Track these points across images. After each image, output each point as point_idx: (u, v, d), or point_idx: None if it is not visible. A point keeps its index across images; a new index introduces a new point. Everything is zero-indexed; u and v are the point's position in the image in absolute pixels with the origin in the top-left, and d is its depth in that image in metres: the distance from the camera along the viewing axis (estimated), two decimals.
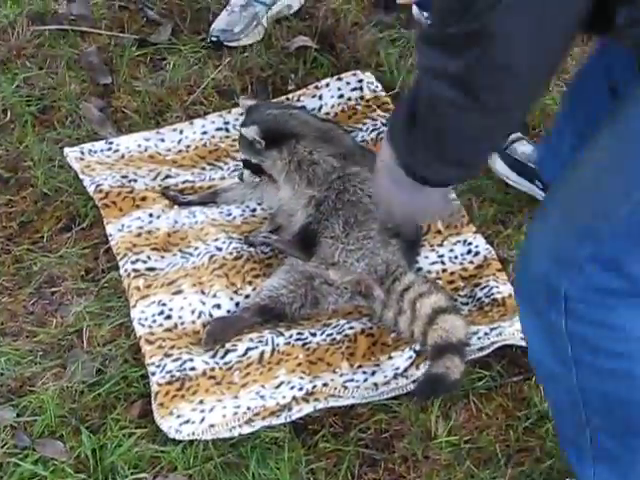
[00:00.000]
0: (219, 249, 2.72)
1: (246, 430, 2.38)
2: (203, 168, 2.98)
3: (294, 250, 2.69)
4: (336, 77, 3.17)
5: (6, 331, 2.60)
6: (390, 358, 2.52)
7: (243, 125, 2.78)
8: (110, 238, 2.75)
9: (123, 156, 2.96)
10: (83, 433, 2.37)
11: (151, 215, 2.79)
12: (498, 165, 2.88)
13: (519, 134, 2.90)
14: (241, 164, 2.84)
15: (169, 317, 2.57)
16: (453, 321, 2.44)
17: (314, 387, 2.44)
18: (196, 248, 2.73)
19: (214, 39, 3.28)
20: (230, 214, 2.86)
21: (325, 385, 2.45)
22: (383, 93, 3.17)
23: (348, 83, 3.16)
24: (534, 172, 2.81)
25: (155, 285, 2.63)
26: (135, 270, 2.66)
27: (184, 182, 2.92)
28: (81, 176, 2.87)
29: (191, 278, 2.65)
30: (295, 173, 2.71)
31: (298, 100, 3.13)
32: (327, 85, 3.16)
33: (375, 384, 2.47)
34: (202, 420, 2.36)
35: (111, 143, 2.98)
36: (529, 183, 2.85)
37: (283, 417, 2.40)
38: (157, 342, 2.51)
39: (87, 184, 2.84)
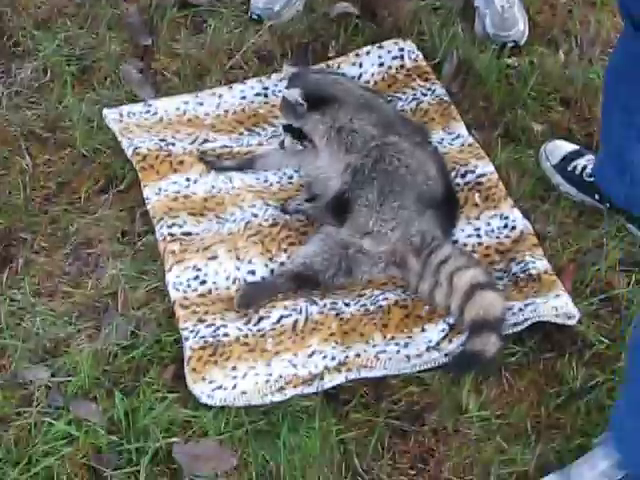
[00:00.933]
0: (255, 215, 2.72)
1: (278, 398, 2.39)
2: (241, 133, 2.97)
3: (327, 217, 2.69)
4: (377, 45, 3.15)
5: (42, 291, 2.61)
6: (423, 330, 2.52)
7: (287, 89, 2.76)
8: (147, 201, 2.75)
9: (162, 119, 2.95)
10: (116, 395, 2.38)
11: (188, 179, 2.79)
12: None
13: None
14: (281, 130, 2.81)
15: (204, 282, 2.57)
16: (491, 297, 2.43)
17: (346, 357, 2.44)
18: (232, 214, 2.73)
19: (255, 17, 3.25)
20: (267, 180, 2.85)
21: (357, 356, 2.45)
22: (424, 62, 3.14)
23: (389, 51, 3.14)
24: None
25: (190, 250, 2.63)
26: (171, 234, 2.66)
27: (222, 147, 2.92)
28: (119, 138, 2.87)
29: (226, 244, 2.65)
30: (334, 139, 2.69)
31: (338, 67, 3.11)
32: (368, 53, 3.14)
33: (407, 356, 2.47)
34: (234, 387, 2.37)
35: (150, 106, 2.98)
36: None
37: (315, 386, 2.41)
38: (191, 307, 2.51)
39: (125, 146, 2.84)
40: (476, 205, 2.75)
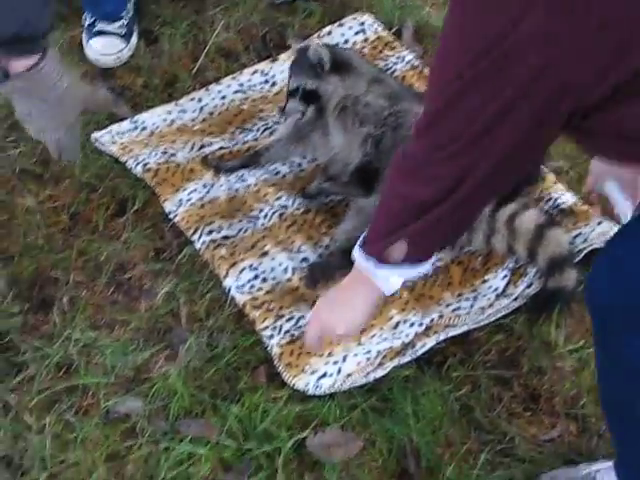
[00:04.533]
0: (284, 207, 2.71)
1: (380, 373, 2.41)
2: (233, 132, 2.94)
3: (353, 189, 2.70)
4: (337, 23, 3.17)
5: (98, 324, 2.53)
6: (485, 282, 2.58)
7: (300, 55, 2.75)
8: (172, 215, 2.70)
9: (152, 133, 2.90)
10: (222, 406, 2.34)
11: (205, 185, 2.76)
12: None
13: None
14: (274, 115, 2.85)
15: (265, 280, 2.55)
16: (559, 234, 2.52)
17: (431, 320, 2.48)
18: (261, 210, 2.71)
19: None
20: (278, 172, 2.84)
21: (441, 317, 2.49)
22: (385, 33, 3.18)
23: (350, 27, 3.17)
24: None
25: (238, 252, 2.60)
26: (213, 241, 2.63)
27: (220, 149, 2.89)
28: (122, 158, 2.80)
29: (269, 239, 2.64)
30: (349, 111, 2.70)
31: None
32: (329, 33, 3.16)
33: (482, 308, 2.53)
34: (339, 371, 2.37)
35: (136, 122, 2.91)
36: None
37: (408, 354, 2.44)
38: (264, 306, 2.49)
39: (132, 165, 2.77)
40: None
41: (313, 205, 2.73)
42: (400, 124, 2.66)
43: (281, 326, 2.45)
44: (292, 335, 2.44)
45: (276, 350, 2.42)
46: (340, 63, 2.68)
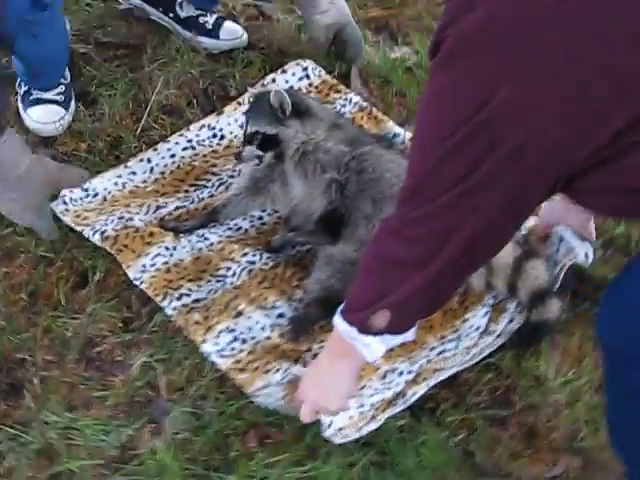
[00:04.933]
0: (252, 262, 2.65)
1: (372, 426, 2.35)
2: (187, 190, 2.87)
3: (320, 237, 2.66)
4: (280, 70, 3.12)
5: (74, 404, 2.43)
6: (465, 321, 2.54)
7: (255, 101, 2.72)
8: (138, 282, 2.60)
9: (105, 198, 2.80)
10: (216, 478, 2.25)
11: (167, 248, 2.67)
12: None
13: None
14: (240, 141, 2.78)
15: (244, 341, 2.49)
16: (538, 264, 2.49)
17: (420, 367, 2.43)
18: (228, 268, 2.64)
19: None
20: (240, 228, 2.78)
21: (428, 361, 2.44)
22: (328, 76, 3.15)
23: (293, 73, 3.13)
24: None
25: (212, 315, 2.53)
26: (184, 305, 2.55)
27: (176, 209, 2.81)
28: (78, 228, 2.70)
29: (241, 297, 2.57)
30: (308, 158, 2.66)
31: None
32: (274, 80, 3.12)
33: (467, 348, 2.49)
34: (330, 424, 2.30)
35: (87, 189, 2.81)
36: None
37: (400, 404, 2.39)
38: (248, 368, 2.42)
39: (89, 234, 2.67)
40: None
41: (281, 258, 2.67)
42: (363, 168, 2.62)
43: (274, 380, 2.37)
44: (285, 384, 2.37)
45: (275, 403, 2.33)
46: (300, 108, 2.65)
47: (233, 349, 2.45)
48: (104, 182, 2.83)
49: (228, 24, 3.28)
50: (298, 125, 2.63)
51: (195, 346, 2.49)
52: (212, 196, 2.85)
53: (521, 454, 2.34)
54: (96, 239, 2.66)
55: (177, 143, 2.96)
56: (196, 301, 2.56)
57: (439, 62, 1.63)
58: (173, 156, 2.93)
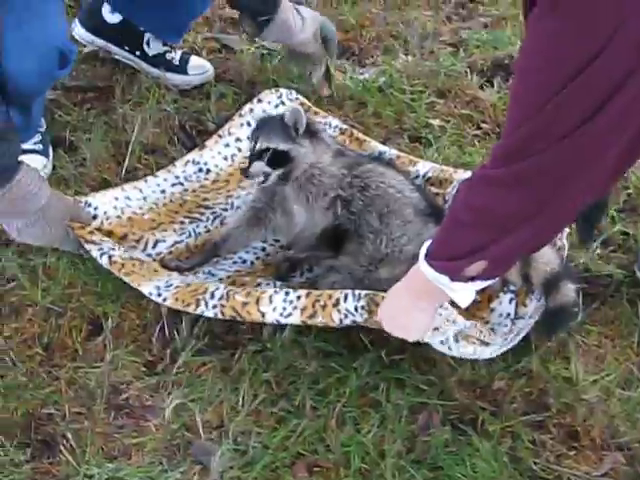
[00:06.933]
0: (276, 292, 2.61)
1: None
2: (182, 222, 2.83)
3: (320, 251, 2.69)
4: (256, 99, 3.12)
5: (113, 454, 2.37)
6: (493, 311, 2.60)
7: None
8: (155, 297, 2.54)
9: (102, 223, 2.74)
10: None
11: (177, 278, 2.64)
12: None
13: None
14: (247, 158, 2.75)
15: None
16: (544, 250, 2.48)
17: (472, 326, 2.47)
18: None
19: None
20: (245, 261, 2.78)
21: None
22: (306, 100, 3.15)
23: (269, 102, 3.12)
24: None
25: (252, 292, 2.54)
26: (225, 296, 2.50)
27: (174, 244, 2.78)
28: (86, 246, 2.64)
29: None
30: (312, 182, 2.67)
31: (229, 133, 3.05)
32: (251, 110, 3.10)
33: (504, 333, 2.53)
34: None
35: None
36: None
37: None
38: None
39: (96, 254, 2.62)
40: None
41: (293, 285, 2.65)
42: (367, 185, 2.66)
43: None
44: None
45: None
46: (311, 129, 2.67)
47: (291, 302, 2.45)
48: (105, 205, 2.77)
49: (194, 59, 3.27)
50: (309, 144, 2.64)
51: (225, 382, 2.47)
52: (208, 231, 2.83)
53: (567, 455, 2.37)
54: (104, 262, 2.61)
55: (165, 179, 2.93)
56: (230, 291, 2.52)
57: (546, 7, 1.58)
58: (163, 192, 2.91)
